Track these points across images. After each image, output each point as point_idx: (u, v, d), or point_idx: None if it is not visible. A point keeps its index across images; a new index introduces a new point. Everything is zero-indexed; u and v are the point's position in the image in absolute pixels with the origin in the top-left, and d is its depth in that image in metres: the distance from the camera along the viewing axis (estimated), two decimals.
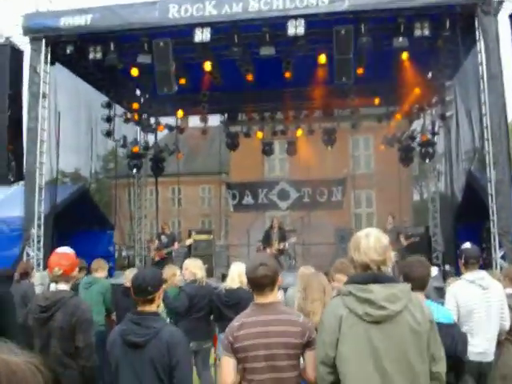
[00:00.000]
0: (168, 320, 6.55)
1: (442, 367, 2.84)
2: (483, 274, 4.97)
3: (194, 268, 6.82)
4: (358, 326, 2.70)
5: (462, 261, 5.09)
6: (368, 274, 2.82)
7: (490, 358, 4.86)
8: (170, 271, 7.11)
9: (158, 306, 3.58)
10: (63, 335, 3.73)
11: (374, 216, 25.62)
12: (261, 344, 3.06)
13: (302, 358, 3.18)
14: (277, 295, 3.31)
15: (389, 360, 2.66)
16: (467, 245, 5.23)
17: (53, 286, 3.93)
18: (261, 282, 3.18)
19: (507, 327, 4.98)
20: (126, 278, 7.06)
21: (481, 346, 4.76)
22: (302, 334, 3.09)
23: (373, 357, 2.67)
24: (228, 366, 3.18)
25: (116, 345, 3.38)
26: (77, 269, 4.07)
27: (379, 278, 2.79)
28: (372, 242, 2.84)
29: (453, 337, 3.46)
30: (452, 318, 3.71)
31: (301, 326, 3.11)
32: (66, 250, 4.10)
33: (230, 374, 3.18)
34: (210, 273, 12.12)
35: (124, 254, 19.40)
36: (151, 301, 3.47)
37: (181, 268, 7.21)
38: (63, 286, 3.90)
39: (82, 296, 7.25)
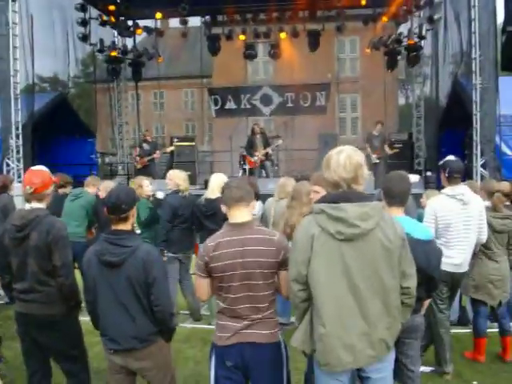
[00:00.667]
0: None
1: (412, 283, 2.90)
2: (464, 189, 4.87)
3: (178, 179, 6.76)
4: (329, 244, 2.71)
5: (446, 174, 4.87)
6: (339, 193, 2.79)
7: (464, 269, 4.97)
8: (135, 185, 6.98)
9: (132, 225, 3.55)
10: (40, 254, 3.71)
11: (359, 120, 25.48)
12: (237, 263, 3.08)
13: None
14: (250, 215, 3.29)
15: (360, 277, 2.70)
16: (451, 157, 4.94)
17: (27, 206, 3.86)
18: (234, 201, 3.19)
19: (484, 240, 5.04)
20: (102, 188, 7.04)
21: (457, 258, 4.83)
22: (277, 253, 3.10)
23: (345, 274, 2.71)
24: (203, 286, 3.23)
25: (92, 265, 3.38)
26: (51, 187, 3.97)
27: (350, 196, 2.76)
28: (342, 159, 2.78)
29: (428, 253, 3.49)
30: (430, 234, 3.72)
31: (275, 246, 3.11)
32: (39, 167, 4.01)
33: (206, 293, 3.25)
34: (192, 180, 12.15)
35: (107, 160, 19.23)
36: (125, 219, 3.43)
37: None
38: (37, 205, 3.84)
39: (65, 208, 7.33)
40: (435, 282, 3.62)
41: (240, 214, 3.21)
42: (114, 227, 3.45)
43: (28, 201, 3.87)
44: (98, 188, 7.49)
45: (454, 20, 11.43)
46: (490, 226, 5.05)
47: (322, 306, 2.73)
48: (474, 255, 5.11)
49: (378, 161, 12.47)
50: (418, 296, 3.12)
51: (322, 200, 2.85)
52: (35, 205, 3.84)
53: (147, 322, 3.35)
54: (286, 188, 6.24)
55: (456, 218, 4.79)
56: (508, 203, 5.69)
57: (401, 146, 13.44)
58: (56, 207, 6.31)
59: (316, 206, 2.81)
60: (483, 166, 9.17)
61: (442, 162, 4.97)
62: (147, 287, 3.31)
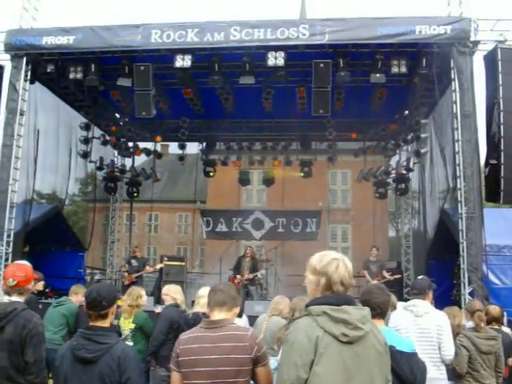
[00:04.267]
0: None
1: None
2: (418, 302, 5.00)
3: (175, 293, 6.77)
4: (332, 347, 2.65)
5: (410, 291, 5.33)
6: (341, 296, 2.80)
7: None
8: (136, 292, 7.01)
9: (110, 323, 3.50)
10: (12, 348, 3.61)
11: (350, 250, 25.67)
12: (203, 360, 3.00)
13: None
14: (230, 316, 3.27)
15: (357, 380, 2.64)
16: (420, 277, 5.40)
17: (6, 298, 3.82)
18: (216, 305, 3.19)
19: (448, 358, 4.87)
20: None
21: None
22: (249, 349, 3.04)
23: (344, 377, 2.63)
24: (175, 382, 3.13)
25: (65, 360, 3.29)
26: (32, 282, 3.96)
27: (352, 300, 2.81)
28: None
29: (412, 366, 3.43)
30: (413, 347, 3.68)
31: (248, 341, 3.06)
32: (23, 262, 4.04)
33: None
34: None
35: (97, 277, 19.10)
36: (104, 316, 3.40)
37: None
38: (17, 298, 3.80)
39: (46, 314, 7.22)
40: None
41: (219, 315, 3.19)
42: (91, 323, 3.40)
43: (8, 294, 3.84)
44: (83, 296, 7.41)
45: (439, 154, 11.98)
46: (475, 346, 5.00)
47: None
48: (461, 378, 4.98)
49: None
50: None
51: (319, 302, 2.80)
52: (15, 298, 3.81)
53: None
54: (279, 306, 6.25)
55: (408, 328, 4.78)
56: (497, 327, 5.66)
57: (400, 275, 13.64)
58: None
59: (316, 308, 2.75)
60: (471, 294, 9.13)
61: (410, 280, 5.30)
62: None
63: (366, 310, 2.81)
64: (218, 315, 3.20)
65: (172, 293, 6.75)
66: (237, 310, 3.35)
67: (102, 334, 3.33)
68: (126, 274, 13.10)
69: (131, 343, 6.47)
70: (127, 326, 6.74)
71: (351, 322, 2.67)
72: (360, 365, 2.66)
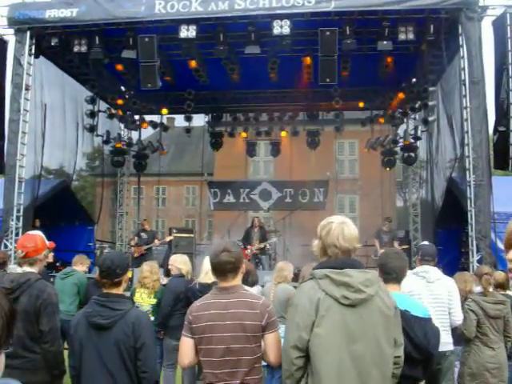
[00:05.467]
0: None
1: (401, 352, 2.90)
2: (429, 268, 5.06)
3: (179, 263, 6.73)
4: (334, 309, 2.71)
5: (419, 257, 5.25)
6: (345, 260, 2.84)
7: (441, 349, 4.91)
8: (156, 267, 6.91)
9: (123, 290, 3.55)
10: (27, 318, 3.66)
11: (357, 220, 25.68)
12: (215, 326, 3.05)
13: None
14: (239, 281, 3.29)
15: (362, 344, 2.68)
16: (425, 242, 5.47)
17: (19, 269, 3.86)
18: (223, 268, 3.17)
19: (458, 323, 5.01)
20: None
21: None
22: (260, 316, 3.07)
23: (348, 341, 2.68)
24: (186, 347, 3.18)
25: (80, 327, 3.35)
26: (44, 252, 3.97)
27: (355, 264, 2.84)
28: (353, 230, 2.90)
29: (426, 331, 3.46)
30: (427, 312, 3.72)
31: (260, 309, 3.09)
32: (34, 232, 4.07)
33: (187, 355, 3.18)
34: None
35: (106, 251, 19.27)
36: (118, 284, 3.45)
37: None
38: (28, 269, 3.84)
39: (56, 286, 7.25)
40: (432, 361, 3.56)
41: (227, 279, 3.21)
42: (106, 291, 3.46)
43: (20, 264, 3.89)
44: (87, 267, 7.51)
45: (447, 122, 11.89)
46: (483, 311, 5.05)
47: (324, 375, 2.66)
48: (469, 342, 5.03)
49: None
50: (414, 376, 3.07)
51: (322, 266, 2.87)
52: (27, 269, 3.85)
53: None
54: (283, 272, 6.27)
55: (422, 294, 4.82)
56: (502, 292, 5.68)
57: (408, 245, 13.69)
58: None
59: (318, 272, 2.82)
60: (479, 261, 9.13)
61: (416, 246, 5.26)
62: (135, 352, 3.27)
63: (371, 274, 2.82)
64: (226, 283, 3.22)
65: (177, 263, 6.73)
66: (243, 268, 3.35)
67: (116, 301, 3.40)
68: (136, 246, 13.20)
69: (152, 318, 6.39)
70: (147, 301, 6.67)
71: (353, 285, 2.71)
72: (364, 327, 2.70)
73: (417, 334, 3.28)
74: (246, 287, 3.62)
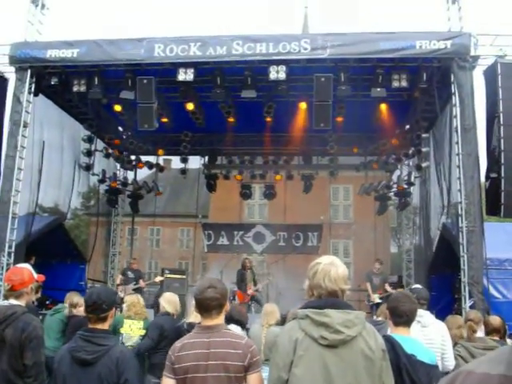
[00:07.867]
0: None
1: None
2: (423, 312, 5.00)
3: (165, 302, 6.83)
4: (312, 349, 2.70)
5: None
6: (326, 300, 2.84)
7: None
8: (141, 299, 7.15)
9: (109, 326, 3.53)
10: (12, 352, 3.61)
11: (351, 266, 25.60)
12: (200, 366, 3.02)
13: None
14: (222, 320, 3.28)
15: None
16: (417, 286, 5.37)
17: (6, 302, 3.83)
18: (208, 304, 3.16)
19: (450, 368, 4.90)
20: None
21: None
22: (243, 357, 3.05)
23: (325, 380, 2.66)
24: None
25: (64, 362, 3.32)
26: (31, 285, 3.95)
27: (338, 304, 2.82)
28: (341, 271, 2.89)
29: (431, 377, 3.43)
30: (435, 359, 3.69)
31: (242, 349, 3.07)
32: (22, 265, 4.06)
33: None
34: (182, 314, 11.94)
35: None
36: (104, 319, 3.44)
37: None
38: (15, 302, 3.81)
39: (45, 322, 7.23)
40: None
41: (211, 315, 3.20)
42: (91, 326, 3.43)
43: (6, 297, 3.86)
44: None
45: (440, 168, 12.01)
46: (473, 357, 4.97)
47: None
48: None
49: (380, 300, 12.25)
50: None
51: (305, 306, 2.89)
52: (13, 301, 3.83)
53: None
54: (275, 314, 6.27)
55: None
56: (497, 338, 5.62)
57: (402, 289, 13.53)
58: None
59: (300, 312, 2.84)
60: (472, 307, 9.07)
61: (409, 289, 5.23)
62: None
63: (354, 314, 2.80)
64: (210, 320, 3.20)
65: (163, 301, 6.84)
66: (227, 306, 3.35)
67: (101, 336, 3.37)
68: (121, 285, 13.08)
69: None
70: (136, 332, 6.76)
71: (331, 326, 2.70)
72: (345, 369, 2.68)
73: (421, 379, 3.25)
74: (230, 326, 3.60)
